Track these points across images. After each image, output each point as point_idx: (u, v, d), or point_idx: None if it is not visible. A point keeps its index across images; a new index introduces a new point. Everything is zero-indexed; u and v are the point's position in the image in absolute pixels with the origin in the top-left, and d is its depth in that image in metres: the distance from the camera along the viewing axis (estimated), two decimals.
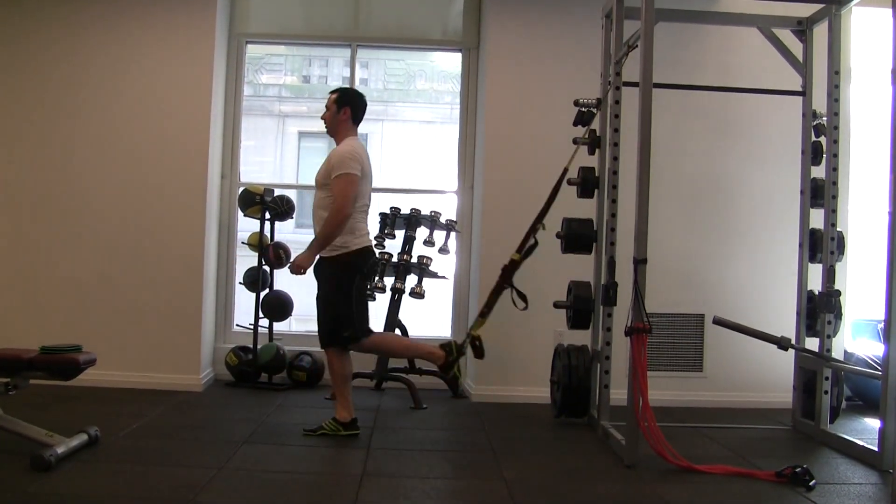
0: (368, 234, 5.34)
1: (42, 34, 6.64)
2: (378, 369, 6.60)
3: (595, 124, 5.86)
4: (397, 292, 6.55)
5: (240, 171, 7.26)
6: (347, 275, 5.18)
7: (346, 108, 5.32)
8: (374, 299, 6.40)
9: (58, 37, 6.64)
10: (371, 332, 5.38)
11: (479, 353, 5.69)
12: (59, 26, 6.64)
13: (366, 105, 5.46)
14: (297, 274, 5.22)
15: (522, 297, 5.65)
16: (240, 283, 6.99)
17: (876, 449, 4.81)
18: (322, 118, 5.41)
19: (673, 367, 6.66)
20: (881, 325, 5.65)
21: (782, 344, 5.36)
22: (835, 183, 5.66)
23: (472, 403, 6.46)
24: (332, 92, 5.46)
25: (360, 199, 5.22)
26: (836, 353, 5.95)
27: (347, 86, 5.44)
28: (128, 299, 6.55)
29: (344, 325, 5.18)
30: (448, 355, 5.42)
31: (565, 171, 5.70)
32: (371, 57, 8.44)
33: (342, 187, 5.07)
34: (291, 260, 5.30)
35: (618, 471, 4.64)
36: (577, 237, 5.73)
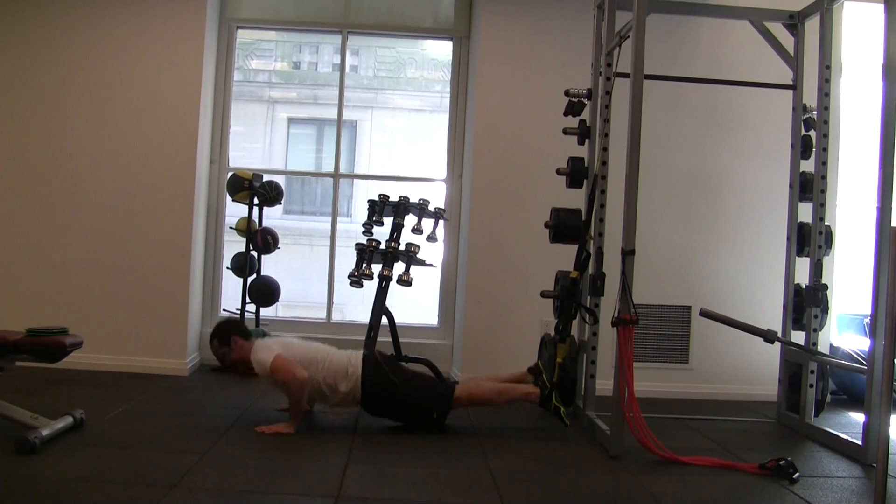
0: (350, 362, 5.19)
1: (29, 19, 6.59)
2: None
3: (585, 114, 5.86)
4: (385, 279, 6.53)
5: (229, 156, 7.24)
6: (381, 383, 5.14)
7: (232, 338, 5.20)
8: (361, 286, 6.39)
9: (46, 21, 6.60)
10: (453, 386, 5.31)
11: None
12: (47, 10, 6.59)
13: (238, 322, 5.53)
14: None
15: (591, 312, 5.57)
16: (227, 268, 6.99)
17: (860, 443, 4.83)
18: (230, 367, 5.31)
19: (659, 359, 6.68)
20: (867, 320, 5.68)
21: (768, 337, 5.37)
22: (824, 177, 5.67)
23: None
24: (210, 341, 5.33)
25: (318, 365, 5.12)
26: (822, 347, 5.98)
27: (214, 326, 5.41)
28: (115, 283, 6.53)
29: (427, 412, 5.20)
30: (542, 389, 5.27)
31: (597, 177, 5.67)
32: (362, 44, 8.41)
33: (280, 371, 4.91)
34: (275, 429, 4.99)
35: (602, 461, 4.65)
36: (566, 227, 5.72)
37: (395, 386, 5.14)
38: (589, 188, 5.69)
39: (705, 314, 5.38)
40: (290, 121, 9.11)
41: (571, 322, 5.57)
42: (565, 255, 5.87)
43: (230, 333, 5.22)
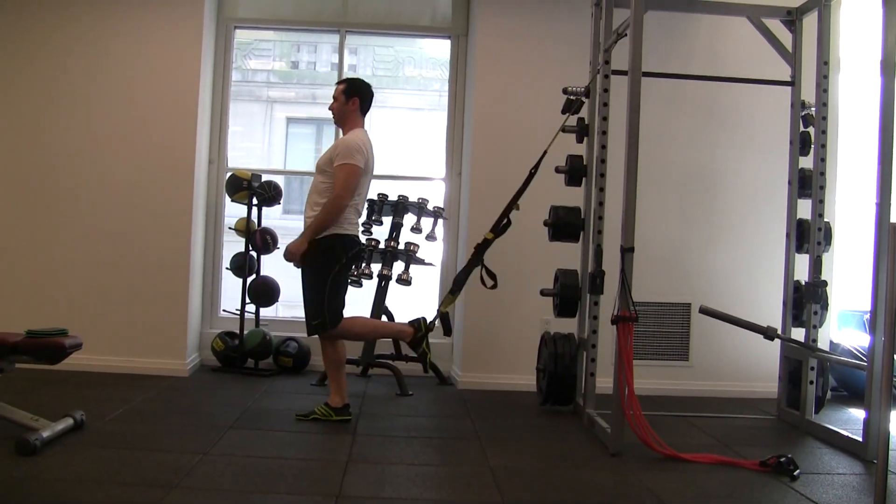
0: (357, 224, 5.30)
1: (27, 20, 6.58)
2: (364, 355, 6.61)
3: (583, 112, 5.86)
4: (384, 279, 6.55)
5: (227, 156, 7.24)
6: (326, 261, 5.13)
7: (355, 98, 5.34)
8: (360, 286, 6.42)
9: (44, 22, 6.59)
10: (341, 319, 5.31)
11: (447, 329, 5.95)
12: (44, 11, 6.59)
13: (373, 95, 5.48)
14: (290, 261, 5.19)
15: (492, 275, 5.80)
16: (226, 268, 6.98)
17: (860, 439, 4.84)
18: (329, 108, 5.40)
19: (659, 356, 6.68)
20: (867, 316, 5.69)
21: (768, 334, 5.37)
22: (822, 173, 5.67)
23: (458, 391, 6.47)
24: (339, 82, 5.48)
25: (358, 194, 5.22)
26: (822, 344, 5.97)
27: (355, 76, 5.43)
28: (114, 283, 6.53)
29: (315, 314, 5.17)
30: (416, 331, 5.48)
31: (544, 153, 5.77)
32: (360, 43, 8.40)
33: (344, 177, 5.06)
34: (285, 247, 5.20)
35: (603, 459, 4.65)
36: (565, 225, 5.74)
37: (325, 282, 5.14)
38: (535, 164, 5.84)
39: (705, 311, 5.38)
40: (289, 120, 9.10)
41: (466, 278, 5.87)
42: (565, 253, 5.88)
43: (357, 93, 5.39)
